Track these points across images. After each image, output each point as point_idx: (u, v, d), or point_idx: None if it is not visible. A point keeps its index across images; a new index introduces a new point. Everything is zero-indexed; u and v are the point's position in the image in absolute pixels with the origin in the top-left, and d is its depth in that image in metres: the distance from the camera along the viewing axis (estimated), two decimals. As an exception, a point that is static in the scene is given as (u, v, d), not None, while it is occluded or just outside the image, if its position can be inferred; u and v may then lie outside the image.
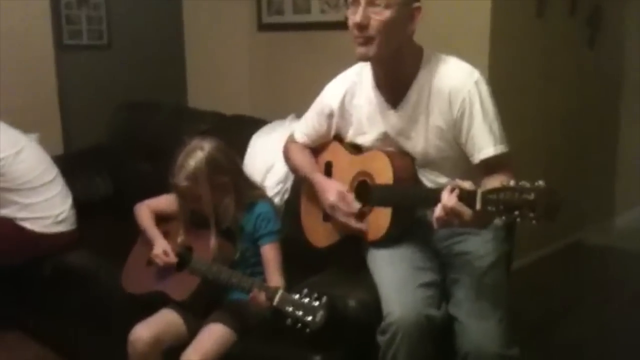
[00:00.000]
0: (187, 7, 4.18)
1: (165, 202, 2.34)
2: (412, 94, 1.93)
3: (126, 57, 3.88)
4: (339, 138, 2.18)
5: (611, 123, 4.41)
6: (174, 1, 4.14)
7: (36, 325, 2.89)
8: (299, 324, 1.83)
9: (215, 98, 3.93)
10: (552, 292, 3.47)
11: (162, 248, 2.22)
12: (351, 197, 2.02)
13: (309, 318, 1.81)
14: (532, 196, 1.50)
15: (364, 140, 2.07)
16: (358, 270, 2.03)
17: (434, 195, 1.71)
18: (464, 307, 1.89)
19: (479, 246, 1.96)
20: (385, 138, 2.02)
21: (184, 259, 2.18)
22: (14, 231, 2.69)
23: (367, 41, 1.84)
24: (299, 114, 2.32)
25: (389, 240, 1.98)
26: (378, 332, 1.84)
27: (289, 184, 2.58)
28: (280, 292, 1.91)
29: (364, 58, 1.90)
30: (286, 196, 2.59)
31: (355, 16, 1.83)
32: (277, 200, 2.54)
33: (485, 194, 1.59)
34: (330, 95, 2.14)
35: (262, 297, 1.94)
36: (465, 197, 1.63)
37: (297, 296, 1.86)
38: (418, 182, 2.00)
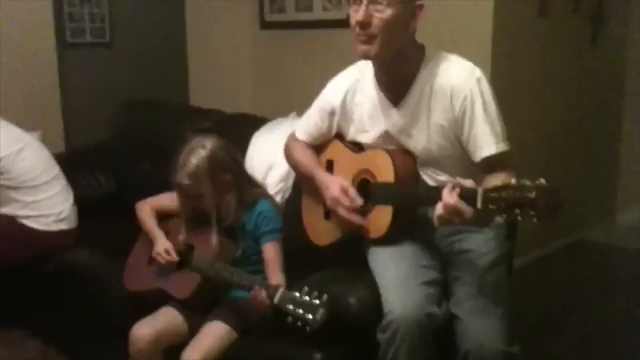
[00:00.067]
0: (189, 5, 4.18)
1: (167, 200, 2.34)
2: (414, 92, 1.93)
3: (128, 55, 3.89)
4: (340, 136, 2.18)
5: (613, 121, 4.40)
6: (176, -1, 4.15)
7: (37, 323, 2.90)
8: (300, 322, 1.83)
9: (217, 96, 3.94)
10: (553, 291, 3.47)
11: (163, 246, 2.22)
12: (354, 191, 2.00)
13: (310, 316, 1.81)
14: (533, 194, 1.50)
15: (366, 138, 2.07)
16: (359, 268, 2.03)
17: (435, 194, 1.71)
18: (465, 305, 1.89)
19: (481, 244, 1.96)
20: (386, 136, 2.01)
21: (185, 257, 2.19)
22: (16, 229, 2.70)
23: (369, 39, 1.83)
24: (301, 112, 2.32)
25: (390, 238, 1.98)
26: (379, 330, 1.85)
27: (290, 182, 2.58)
28: (281, 290, 1.91)
29: (365, 56, 1.89)
30: (287, 194, 2.59)
31: (357, 14, 1.83)
32: (278, 198, 2.54)
33: (486, 192, 1.58)
34: (332, 93, 2.13)
35: (262, 295, 1.94)
36: (466, 195, 1.62)
37: (297, 294, 1.86)
38: (419, 180, 1.99)
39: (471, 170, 1.85)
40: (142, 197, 2.43)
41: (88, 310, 2.59)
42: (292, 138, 2.30)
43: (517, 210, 1.52)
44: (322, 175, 2.12)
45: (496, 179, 1.70)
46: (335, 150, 2.18)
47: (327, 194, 2.05)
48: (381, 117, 2.01)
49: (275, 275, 2.12)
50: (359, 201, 1.98)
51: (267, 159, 2.66)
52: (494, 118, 1.87)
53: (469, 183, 1.65)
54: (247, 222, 2.20)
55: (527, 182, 1.52)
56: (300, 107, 2.39)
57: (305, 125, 2.24)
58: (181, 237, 2.24)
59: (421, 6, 1.87)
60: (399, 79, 1.95)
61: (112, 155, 3.36)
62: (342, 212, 2.00)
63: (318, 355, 1.94)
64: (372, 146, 2.06)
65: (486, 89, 1.87)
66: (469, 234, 1.98)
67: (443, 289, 1.95)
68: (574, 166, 3.91)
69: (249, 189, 2.26)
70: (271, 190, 2.50)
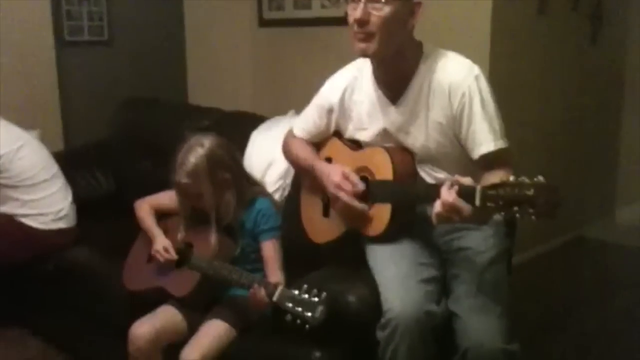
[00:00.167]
0: (188, 2, 4.18)
1: (166, 198, 2.34)
2: (412, 90, 1.93)
3: (127, 53, 3.89)
4: (338, 134, 2.18)
5: (613, 119, 4.40)
6: (174, -3, 4.15)
7: (37, 321, 2.90)
8: (299, 320, 1.83)
9: (215, 94, 3.94)
10: (552, 288, 3.47)
11: (162, 245, 2.22)
12: (355, 176, 1.98)
13: (309, 314, 1.81)
14: (531, 192, 1.50)
15: (364, 136, 2.07)
16: (358, 266, 2.03)
17: (433, 191, 1.71)
18: (464, 303, 1.88)
19: (479, 242, 1.96)
20: (385, 134, 2.01)
21: (185, 255, 2.19)
22: (14, 228, 2.70)
23: (368, 37, 1.83)
24: (299, 110, 2.32)
25: (388, 236, 1.97)
26: (378, 328, 1.85)
27: (289, 180, 2.58)
28: (280, 288, 1.91)
29: (364, 54, 1.89)
30: (286, 192, 2.59)
31: (355, 12, 1.82)
32: (277, 196, 2.53)
33: (485, 189, 1.58)
34: (330, 91, 2.13)
35: (262, 293, 1.94)
36: (465, 192, 1.62)
37: (296, 292, 1.86)
38: (418, 178, 1.99)
39: (469, 168, 1.85)
40: (141, 195, 2.43)
41: (88, 309, 2.59)
42: (290, 135, 2.30)
43: (516, 208, 1.52)
44: (321, 165, 2.11)
45: (494, 177, 1.69)
46: (334, 148, 2.18)
47: (329, 182, 2.01)
48: (379, 114, 2.00)
49: (275, 273, 2.12)
50: (361, 186, 1.96)
51: (266, 157, 2.66)
52: (492, 115, 1.86)
53: (467, 181, 1.65)
54: (246, 220, 2.20)
55: (526, 180, 1.52)
56: (299, 104, 2.39)
57: (304, 122, 2.24)
58: (180, 235, 2.24)
59: (419, 4, 1.86)
60: (397, 77, 1.95)
61: (111, 154, 3.35)
62: (344, 197, 1.96)
63: (317, 353, 1.94)
64: (370, 144, 2.06)
65: (484, 86, 1.87)
66: (467, 232, 1.98)
67: (442, 286, 1.95)
68: (574, 163, 3.91)
69: (248, 187, 2.26)
70: (270, 188, 2.50)
